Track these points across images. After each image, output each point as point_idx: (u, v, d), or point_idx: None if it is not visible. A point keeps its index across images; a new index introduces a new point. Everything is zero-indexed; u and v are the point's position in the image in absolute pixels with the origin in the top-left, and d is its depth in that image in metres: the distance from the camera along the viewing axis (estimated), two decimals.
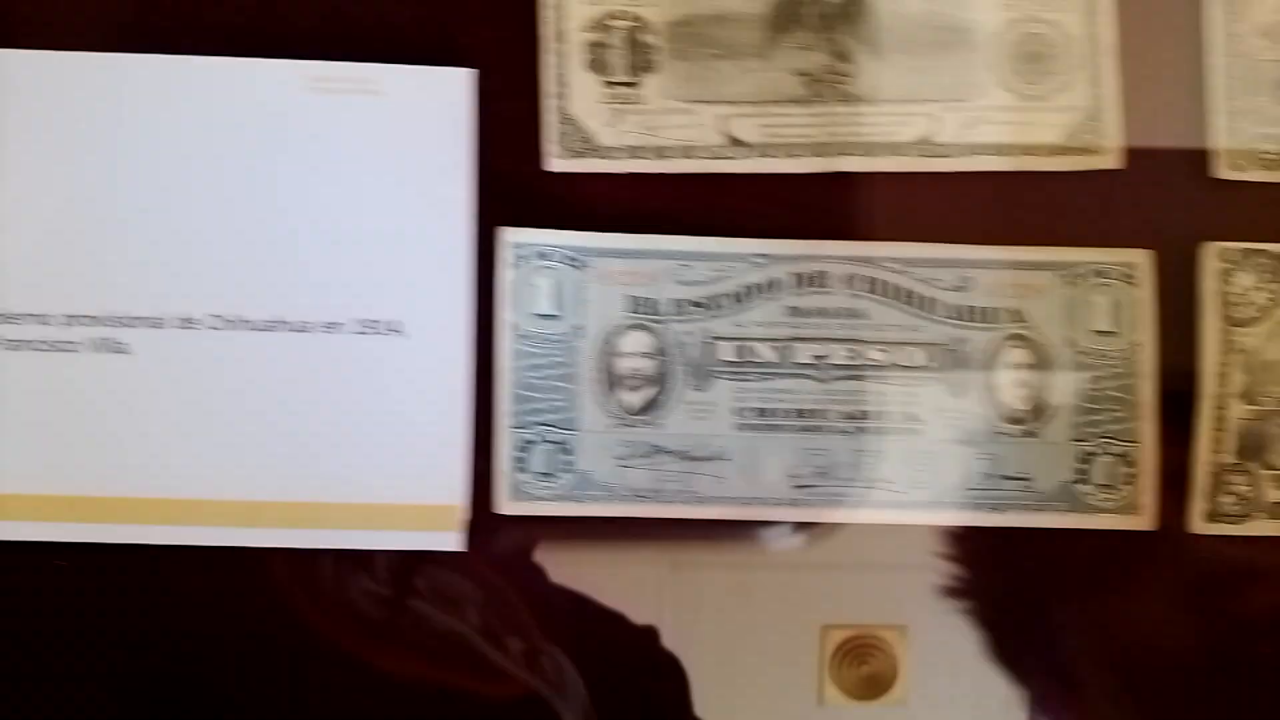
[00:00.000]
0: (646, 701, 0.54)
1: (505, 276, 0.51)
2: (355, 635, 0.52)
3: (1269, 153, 0.54)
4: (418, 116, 0.51)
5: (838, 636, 0.54)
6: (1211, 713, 0.55)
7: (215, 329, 0.50)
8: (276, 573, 0.51)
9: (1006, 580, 0.54)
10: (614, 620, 0.53)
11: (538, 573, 0.53)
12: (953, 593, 0.53)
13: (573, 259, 0.52)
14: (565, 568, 0.53)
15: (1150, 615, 0.54)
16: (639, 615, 0.54)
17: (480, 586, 0.53)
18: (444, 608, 0.52)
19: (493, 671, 0.52)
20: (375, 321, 0.51)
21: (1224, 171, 0.54)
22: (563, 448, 0.51)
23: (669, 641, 0.54)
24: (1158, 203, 0.54)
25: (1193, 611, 0.54)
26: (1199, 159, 0.54)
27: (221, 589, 0.52)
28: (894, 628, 0.54)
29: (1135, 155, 0.54)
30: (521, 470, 0.51)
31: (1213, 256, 0.54)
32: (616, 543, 0.53)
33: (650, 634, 0.54)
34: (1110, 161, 0.54)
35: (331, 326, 0.50)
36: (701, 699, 0.54)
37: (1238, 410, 0.54)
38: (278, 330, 0.50)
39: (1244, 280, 0.54)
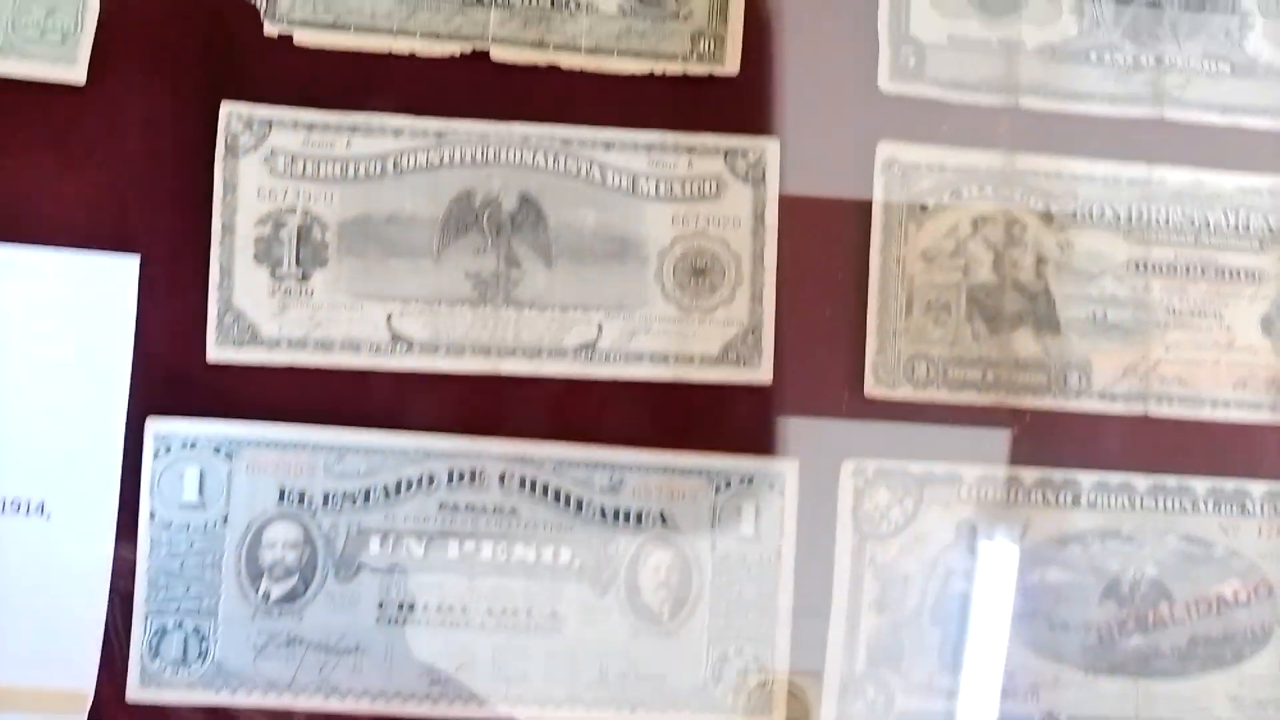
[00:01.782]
0: None
1: (150, 466, 0.52)
2: None
3: (920, 372, 0.57)
4: (81, 303, 0.53)
5: None
6: None
7: None
8: None
9: None
10: None
11: None
12: None
13: (221, 449, 0.53)
14: None
15: None
16: None
17: None
18: None
19: None
20: (20, 503, 0.52)
21: (874, 390, 0.57)
22: (199, 635, 0.52)
23: None
24: (808, 417, 0.57)
25: None
26: (854, 376, 0.57)
27: None
28: None
29: (790, 370, 0.57)
30: (155, 657, 0.52)
31: (850, 472, 0.56)
32: None
33: None
34: (765, 375, 0.56)
35: None
36: None
37: (870, 620, 0.56)
38: None
39: (880, 497, 0.56)
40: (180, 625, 0.52)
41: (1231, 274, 0.59)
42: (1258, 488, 0.58)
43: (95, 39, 0.54)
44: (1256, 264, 0.59)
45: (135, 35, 0.54)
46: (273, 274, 0.54)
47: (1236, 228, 0.60)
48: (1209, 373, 0.59)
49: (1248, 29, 0.60)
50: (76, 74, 0.54)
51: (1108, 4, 0.60)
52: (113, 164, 0.54)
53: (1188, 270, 0.59)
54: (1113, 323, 0.59)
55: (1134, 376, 0.58)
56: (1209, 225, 0.59)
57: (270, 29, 0.55)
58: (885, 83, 0.58)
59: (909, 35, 0.58)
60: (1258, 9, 0.60)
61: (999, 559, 0.57)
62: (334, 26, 0.56)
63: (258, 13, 0.55)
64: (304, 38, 0.55)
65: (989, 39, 0.59)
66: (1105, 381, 0.58)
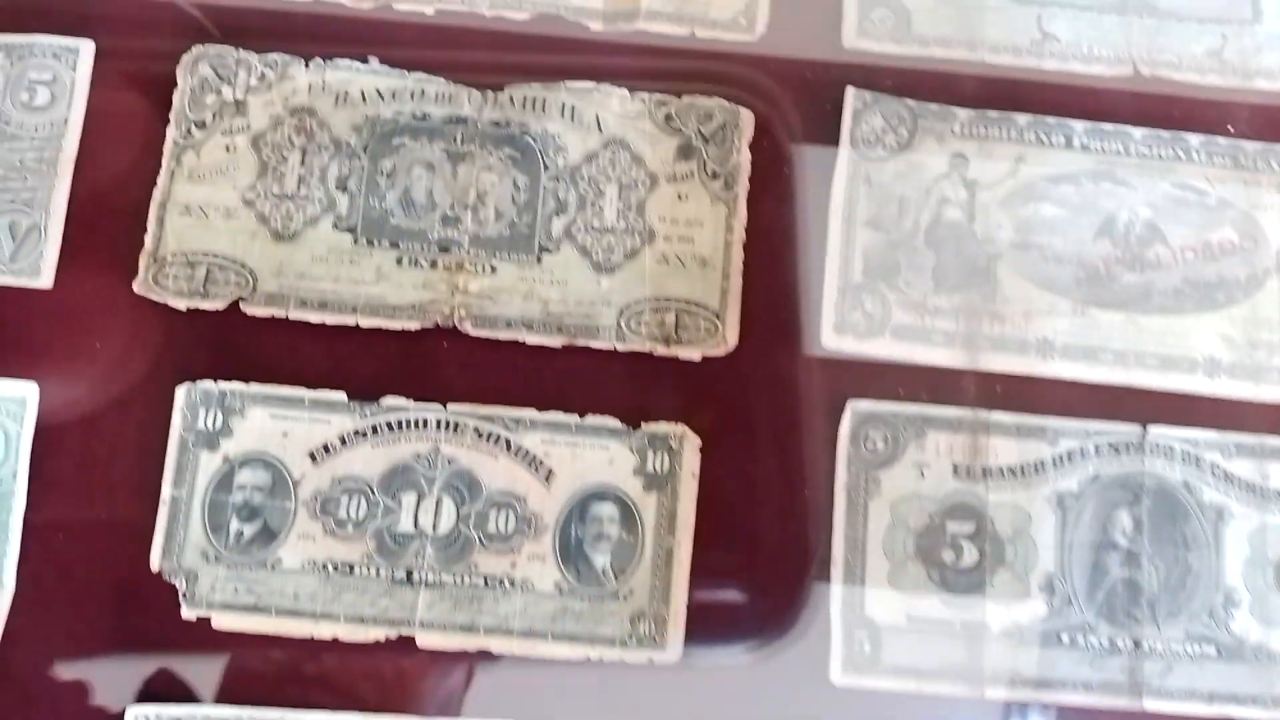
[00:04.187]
0: None
1: None
2: None
3: None
4: None
5: None
6: None
7: None
8: None
9: None
10: None
11: None
12: None
13: None
14: None
15: None
16: None
17: None
18: None
19: None
20: None
21: None
22: None
23: None
24: None
25: None
26: None
27: None
28: None
29: None
30: None
31: None
32: None
33: None
34: None
35: None
36: None
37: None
38: None
39: None
40: None
41: None
42: None
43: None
44: None
45: (48, 617, 0.53)
46: None
47: None
48: None
49: (1233, 606, 0.56)
50: None
51: (1080, 581, 0.56)
52: None
53: None
54: None
55: None
56: None
57: (189, 613, 0.53)
58: (838, 676, 0.54)
59: (865, 617, 0.55)
60: (1244, 584, 0.56)
61: None
62: (255, 609, 0.53)
63: (176, 594, 0.53)
64: (223, 621, 0.53)
65: (951, 621, 0.55)
66: None
